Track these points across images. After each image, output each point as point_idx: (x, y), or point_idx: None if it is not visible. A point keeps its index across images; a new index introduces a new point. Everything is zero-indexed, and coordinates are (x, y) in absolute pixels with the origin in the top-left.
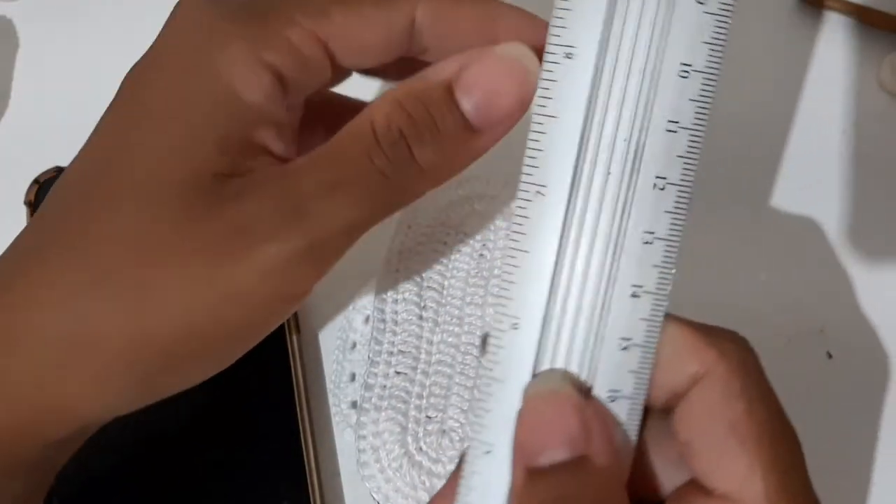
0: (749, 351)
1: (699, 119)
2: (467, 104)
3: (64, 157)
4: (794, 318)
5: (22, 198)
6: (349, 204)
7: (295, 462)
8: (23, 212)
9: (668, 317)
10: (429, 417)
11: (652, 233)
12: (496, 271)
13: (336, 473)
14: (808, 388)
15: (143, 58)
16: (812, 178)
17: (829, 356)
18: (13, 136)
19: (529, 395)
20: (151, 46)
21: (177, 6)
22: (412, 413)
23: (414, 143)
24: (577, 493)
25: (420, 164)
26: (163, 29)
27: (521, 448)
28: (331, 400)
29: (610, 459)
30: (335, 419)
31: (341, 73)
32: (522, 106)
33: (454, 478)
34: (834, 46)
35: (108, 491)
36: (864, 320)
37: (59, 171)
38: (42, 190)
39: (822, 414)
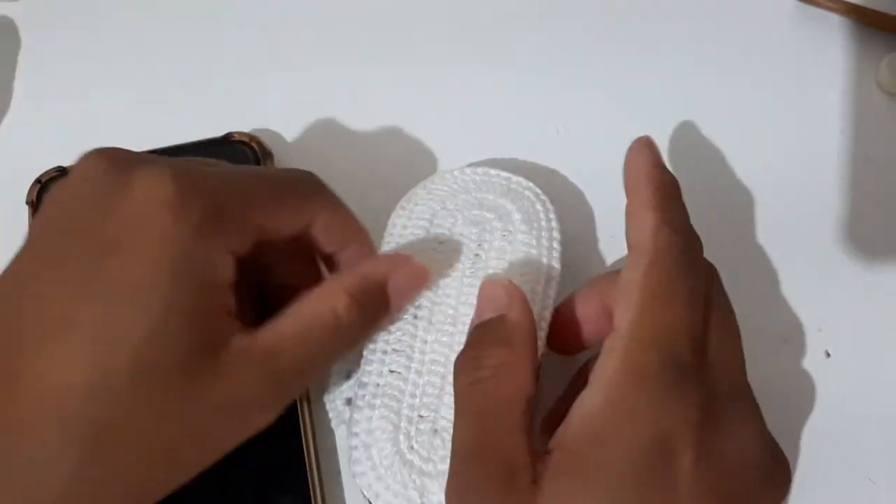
0: None
1: None
2: (393, 296)
3: (65, 156)
4: (793, 317)
5: (24, 197)
6: (318, 373)
7: (295, 461)
8: (24, 211)
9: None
10: (421, 416)
11: None
12: (491, 271)
13: (336, 472)
14: (807, 387)
15: (91, 232)
16: (812, 177)
17: (828, 355)
18: (15, 135)
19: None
20: (100, 224)
21: (131, 187)
22: (405, 412)
23: (368, 326)
24: (495, 332)
25: (368, 335)
26: (118, 203)
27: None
28: (326, 396)
29: (521, 317)
30: (330, 416)
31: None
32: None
33: None
34: (832, 47)
35: None
36: (864, 320)
37: (60, 170)
38: (44, 189)
39: (822, 413)
